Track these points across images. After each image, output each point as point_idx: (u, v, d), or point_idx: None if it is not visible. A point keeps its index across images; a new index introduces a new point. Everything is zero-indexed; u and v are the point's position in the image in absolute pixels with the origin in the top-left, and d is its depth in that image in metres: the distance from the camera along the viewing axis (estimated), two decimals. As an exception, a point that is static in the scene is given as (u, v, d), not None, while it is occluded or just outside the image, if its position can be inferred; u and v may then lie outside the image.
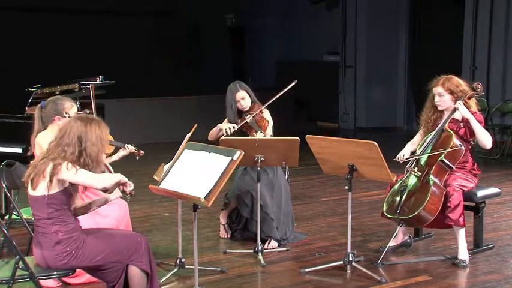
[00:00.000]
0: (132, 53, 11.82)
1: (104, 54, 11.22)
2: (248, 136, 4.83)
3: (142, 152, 4.45)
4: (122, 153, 4.36)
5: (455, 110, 4.37)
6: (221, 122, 4.96)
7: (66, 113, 4.00)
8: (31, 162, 3.19)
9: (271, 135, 4.87)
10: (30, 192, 3.14)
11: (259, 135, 4.69)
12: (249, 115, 4.83)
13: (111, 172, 3.64)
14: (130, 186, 3.18)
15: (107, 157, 4.15)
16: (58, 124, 3.91)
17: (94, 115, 4.24)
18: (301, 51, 12.50)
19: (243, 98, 4.89)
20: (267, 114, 4.93)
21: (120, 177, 3.16)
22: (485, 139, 4.35)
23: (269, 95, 4.98)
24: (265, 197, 4.75)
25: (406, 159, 4.48)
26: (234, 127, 4.79)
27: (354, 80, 11.75)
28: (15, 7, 10.64)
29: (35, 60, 10.68)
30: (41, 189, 3.09)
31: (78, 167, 3.08)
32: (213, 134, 4.94)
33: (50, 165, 3.06)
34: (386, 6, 11.38)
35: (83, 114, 3.29)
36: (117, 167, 3.95)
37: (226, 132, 4.77)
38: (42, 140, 3.91)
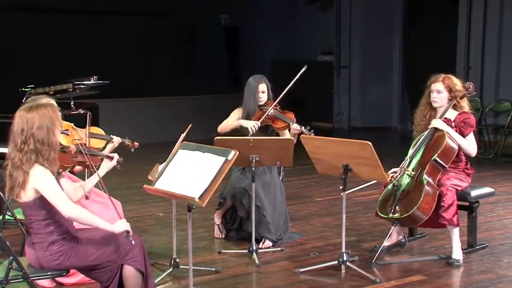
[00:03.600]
0: (127, 53, 11.78)
1: (98, 54, 11.18)
2: (269, 130, 4.77)
3: (136, 143, 4.43)
4: (109, 145, 4.33)
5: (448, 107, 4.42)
6: (225, 117, 4.92)
7: None
8: (6, 172, 3.10)
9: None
10: (20, 200, 3.11)
11: (295, 127, 4.61)
12: (270, 108, 4.78)
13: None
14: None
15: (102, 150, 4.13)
16: None
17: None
18: (296, 51, 12.50)
19: (263, 91, 4.89)
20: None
21: (99, 222, 3.09)
22: (469, 149, 4.42)
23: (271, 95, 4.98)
24: (262, 198, 4.74)
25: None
26: (257, 124, 4.71)
27: (349, 80, 11.76)
28: (10, 7, 10.58)
29: (29, 60, 10.63)
30: (28, 194, 3.05)
31: (47, 176, 3.00)
32: (227, 127, 4.90)
33: (20, 173, 3.02)
34: (381, 6, 11.39)
35: (27, 105, 3.13)
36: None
37: (252, 131, 4.69)
38: None
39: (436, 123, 4.41)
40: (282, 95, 4.83)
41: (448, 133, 4.36)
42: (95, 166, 3.55)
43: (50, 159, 3.05)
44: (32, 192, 3.05)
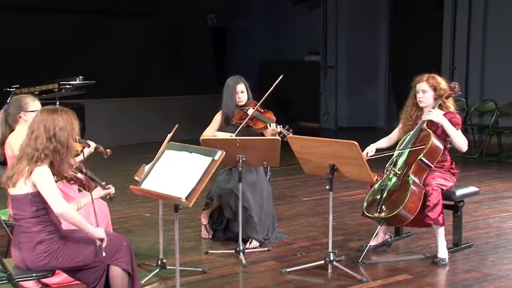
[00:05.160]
0: (112, 53, 11.72)
1: (85, 54, 11.13)
2: (252, 132, 4.76)
3: (109, 150, 4.45)
4: (86, 150, 4.33)
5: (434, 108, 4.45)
6: (212, 118, 4.90)
7: (29, 108, 4.00)
8: (9, 165, 3.16)
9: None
10: (12, 191, 3.11)
11: (273, 128, 4.65)
12: (250, 108, 4.79)
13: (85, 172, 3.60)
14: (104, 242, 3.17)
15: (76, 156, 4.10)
16: (24, 120, 3.96)
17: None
18: (283, 51, 12.52)
19: (242, 91, 4.88)
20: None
21: (84, 224, 3.11)
22: (461, 143, 4.44)
23: (252, 95, 4.97)
24: (249, 199, 4.74)
25: (371, 156, 4.50)
26: (231, 136, 4.66)
27: (335, 80, 11.80)
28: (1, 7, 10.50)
29: (15, 60, 10.54)
30: (22, 187, 3.06)
31: (49, 178, 3.04)
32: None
33: (26, 163, 3.05)
34: (367, 6, 11.46)
35: (49, 106, 3.30)
36: (102, 168, 3.92)
37: None
38: (13, 140, 3.90)
39: (433, 116, 4.38)
40: (263, 99, 4.81)
41: (433, 134, 4.38)
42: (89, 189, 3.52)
43: (65, 160, 3.12)
44: (28, 185, 3.06)
